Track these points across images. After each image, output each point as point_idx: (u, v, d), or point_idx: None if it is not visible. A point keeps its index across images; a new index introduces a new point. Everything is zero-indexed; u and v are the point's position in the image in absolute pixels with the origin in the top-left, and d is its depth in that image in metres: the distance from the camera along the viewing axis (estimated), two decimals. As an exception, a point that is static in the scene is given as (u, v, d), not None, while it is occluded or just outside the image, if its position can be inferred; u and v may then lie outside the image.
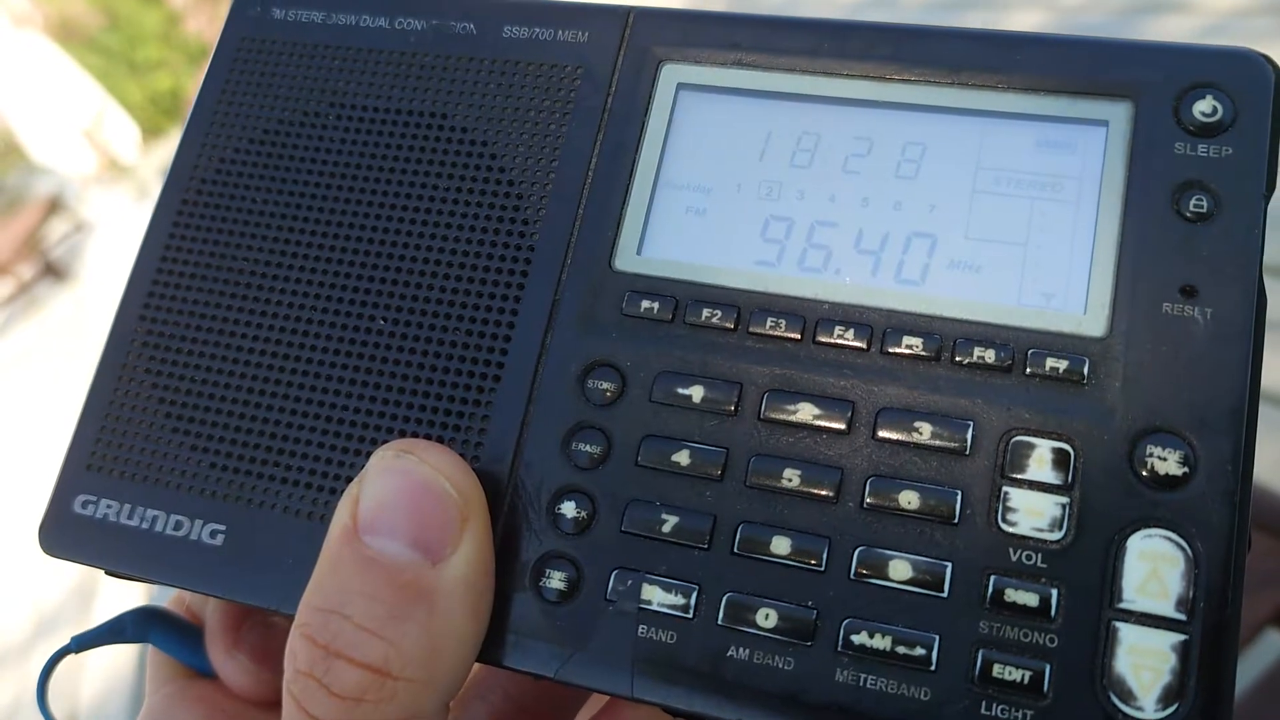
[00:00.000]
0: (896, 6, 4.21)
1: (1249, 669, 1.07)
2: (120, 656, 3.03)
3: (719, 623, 0.36)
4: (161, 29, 9.91)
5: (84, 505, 0.43)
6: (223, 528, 0.41)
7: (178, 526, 0.42)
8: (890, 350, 0.38)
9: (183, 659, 0.47)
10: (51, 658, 0.44)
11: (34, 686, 0.44)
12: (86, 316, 6.21)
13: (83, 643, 0.45)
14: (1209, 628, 0.33)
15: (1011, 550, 0.35)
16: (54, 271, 7.38)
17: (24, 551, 3.97)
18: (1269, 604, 1.07)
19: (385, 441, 0.40)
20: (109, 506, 0.43)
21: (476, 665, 0.38)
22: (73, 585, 3.68)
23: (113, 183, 8.29)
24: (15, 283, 7.32)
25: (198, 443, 0.43)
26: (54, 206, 7.97)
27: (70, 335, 6.12)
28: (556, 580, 0.38)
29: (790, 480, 0.37)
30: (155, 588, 0.45)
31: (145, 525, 0.42)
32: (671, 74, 0.43)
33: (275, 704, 0.45)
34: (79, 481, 0.44)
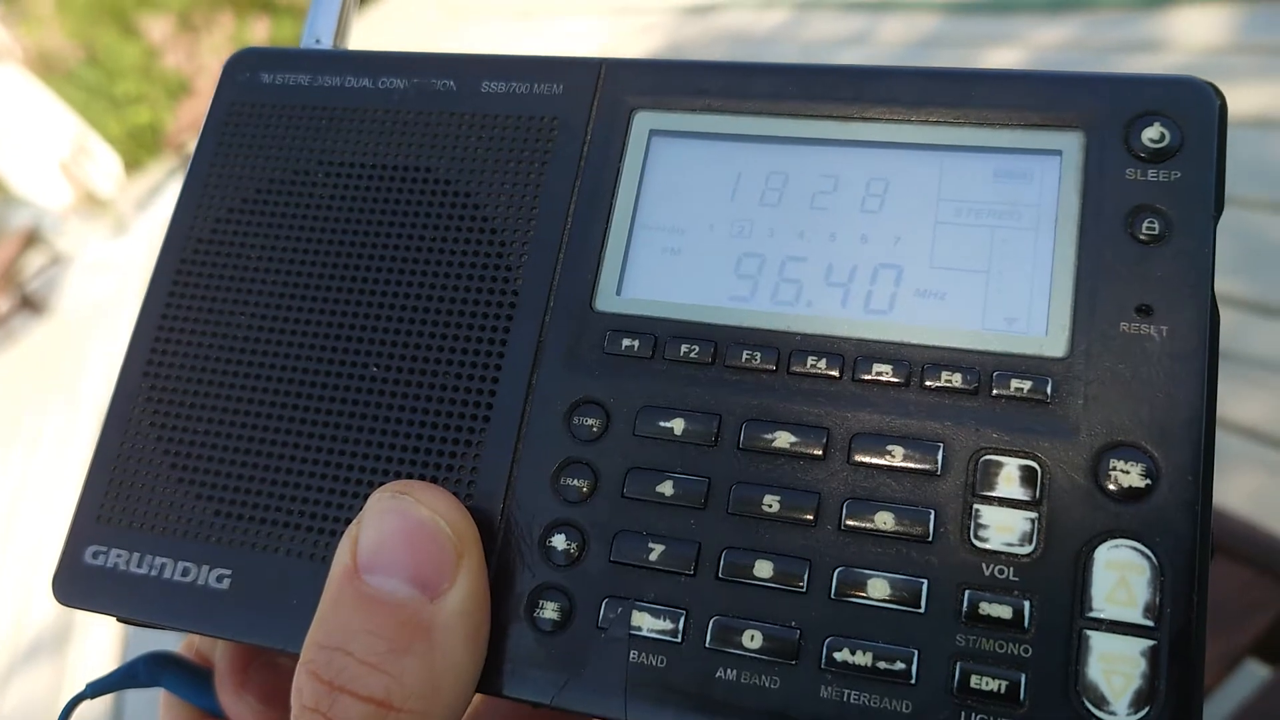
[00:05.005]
0: (874, 44, 4.16)
1: (1229, 699, 1.05)
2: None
3: (707, 645, 0.37)
4: (141, 63, 9.88)
5: (95, 555, 0.44)
6: (229, 572, 0.42)
7: (185, 573, 0.43)
8: (861, 377, 0.39)
9: (194, 701, 0.47)
10: (68, 705, 0.45)
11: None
12: (63, 349, 6.15)
13: (98, 689, 0.45)
14: (1176, 632, 0.34)
15: (984, 565, 0.36)
16: (30, 304, 7.31)
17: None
18: (1249, 635, 1.05)
19: (382, 483, 0.41)
20: (119, 556, 0.44)
21: (477, 696, 0.39)
22: (52, 613, 3.63)
23: (90, 216, 8.25)
24: (-9, 316, 7.25)
25: (202, 491, 0.44)
26: (31, 239, 7.91)
27: (46, 368, 6.05)
28: (550, 610, 0.39)
29: (770, 506, 0.38)
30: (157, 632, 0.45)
31: (154, 573, 0.43)
32: (644, 121, 0.44)
33: None
34: (89, 533, 0.44)
